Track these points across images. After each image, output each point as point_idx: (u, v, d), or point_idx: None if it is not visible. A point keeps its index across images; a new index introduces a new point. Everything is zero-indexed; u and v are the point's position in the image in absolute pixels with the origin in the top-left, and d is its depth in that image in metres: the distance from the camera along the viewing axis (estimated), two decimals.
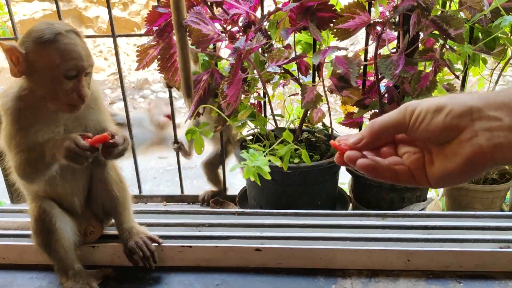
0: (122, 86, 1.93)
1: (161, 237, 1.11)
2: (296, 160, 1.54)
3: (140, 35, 1.94)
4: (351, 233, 1.09)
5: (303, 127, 1.83)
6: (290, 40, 1.67)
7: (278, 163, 1.42)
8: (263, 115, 1.88)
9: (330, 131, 1.75)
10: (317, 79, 1.85)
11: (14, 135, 0.98)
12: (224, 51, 2.08)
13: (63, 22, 0.99)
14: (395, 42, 1.80)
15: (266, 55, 1.58)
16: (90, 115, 1.05)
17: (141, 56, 1.61)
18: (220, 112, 1.71)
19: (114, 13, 8.24)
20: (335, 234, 1.08)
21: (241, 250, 1.04)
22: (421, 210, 1.67)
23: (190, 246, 1.05)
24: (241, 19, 1.69)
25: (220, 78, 1.79)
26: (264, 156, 1.38)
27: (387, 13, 1.79)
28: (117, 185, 1.10)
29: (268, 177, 1.38)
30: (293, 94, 1.76)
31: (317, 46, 1.78)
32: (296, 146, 1.45)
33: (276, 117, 1.80)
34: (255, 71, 1.59)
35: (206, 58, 1.80)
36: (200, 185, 3.77)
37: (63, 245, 1.05)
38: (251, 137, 1.83)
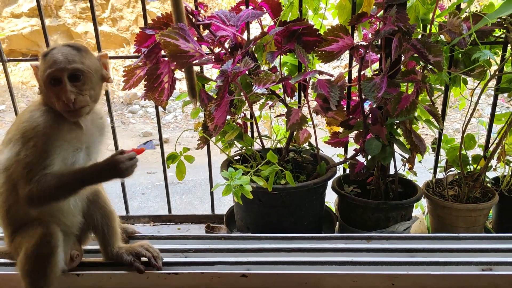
0: (108, 103, 1.93)
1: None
2: (283, 181, 1.55)
3: (129, 57, 1.95)
4: (337, 257, 1.10)
5: (290, 147, 1.85)
6: (276, 62, 1.70)
7: (261, 183, 1.43)
8: (250, 135, 1.90)
9: (316, 151, 1.77)
10: (303, 99, 1.88)
11: (45, 156, 0.99)
12: (211, 71, 2.11)
13: (74, 41, 1.08)
14: (378, 63, 1.84)
15: (253, 77, 1.61)
16: (103, 142, 1.15)
17: (128, 76, 1.62)
18: (204, 134, 1.72)
19: (103, 28, 8.26)
20: (321, 258, 1.09)
21: (227, 276, 1.04)
22: (406, 229, 1.69)
23: (176, 273, 1.05)
24: (227, 41, 1.72)
25: (207, 99, 1.81)
26: (248, 176, 1.39)
27: (370, 36, 1.84)
28: (111, 212, 1.11)
29: (250, 196, 1.38)
30: (280, 115, 1.77)
31: (303, 68, 1.82)
32: (280, 167, 1.47)
33: (263, 138, 1.82)
34: (241, 93, 1.61)
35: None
36: (189, 200, 3.76)
37: (55, 272, 1.04)
38: (238, 157, 1.84)
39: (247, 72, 1.61)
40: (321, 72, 1.54)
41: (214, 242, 1.19)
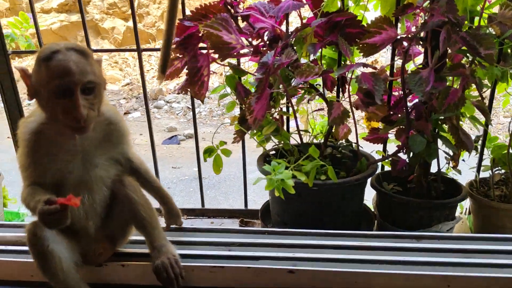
0: (145, 97, 1.93)
1: (191, 256, 1.08)
2: (323, 177, 1.51)
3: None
4: (387, 256, 1.05)
5: (327, 142, 1.81)
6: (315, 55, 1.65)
7: (303, 178, 1.39)
8: (286, 130, 1.86)
9: (356, 147, 1.72)
10: (341, 94, 1.83)
11: (27, 167, 0.99)
12: (244, 65, 2.07)
13: (74, 42, 0.97)
14: (419, 57, 1.78)
15: (292, 70, 1.57)
16: (112, 147, 1.06)
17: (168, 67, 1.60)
18: (241, 127, 1.70)
19: (130, 24, 8.35)
20: (371, 256, 1.05)
21: (273, 272, 1.01)
22: (450, 229, 1.62)
23: (222, 267, 1.03)
24: (266, 33, 1.68)
25: (244, 92, 1.78)
26: (289, 170, 1.35)
27: (413, 28, 1.78)
28: (143, 206, 1.08)
29: (292, 191, 1.35)
30: (318, 110, 1.73)
31: (342, 62, 1.77)
32: (322, 163, 1.42)
33: (297, 133, 1.78)
34: (281, 87, 1.57)
35: (230, 72, 1.79)
36: (213, 196, 3.75)
37: (61, 268, 1.00)
38: (273, 152, 1.81)
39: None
40: (365, 65, 1.49)
41: (258, 237, 1.16)
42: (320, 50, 1.55)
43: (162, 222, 1.18)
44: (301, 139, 1.65)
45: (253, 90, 1.84)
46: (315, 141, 1.86)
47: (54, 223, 0.89)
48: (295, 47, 1.64)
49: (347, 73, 1.54)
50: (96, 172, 1.03)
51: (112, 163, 1.07)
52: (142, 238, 1.13)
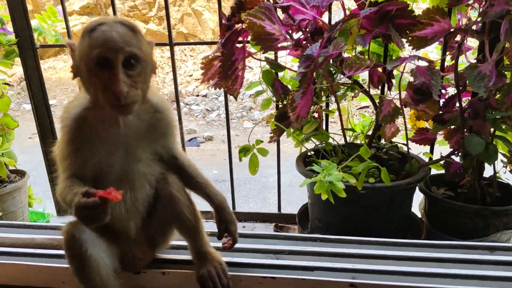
0: (176, 92, 1.84)
1: (237, 264, 0.97)
2: (371, 180, 1.39)
3: (201, 43, 1.84)
4: (459, 269, 0.93)
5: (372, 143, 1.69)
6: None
7: (352, 181, 1.27)
8: (324, 129, 1.75)
9: (402, 148, 1.60)
10: (386, 91, 1.71)
11: (66, 156, 0.89)
12: (282, 59, 1.97)
13: (123, 17, 0.88)
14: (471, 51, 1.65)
15: (338, 64, 1.46)
16: (157, 139, 0.95)
17: (205, 68, 1.51)
18: (279, 125, 1.59)
19: (150, 27, 8.35)
20: (440, 269, 0.93)
21: (333, 285, 0.90)
22: (508, 239, 1.48)
23: (274, 278, 0.92)
24: (307, 25, 1.58)
25: (282, 88, 1.68)
26: (338, 171, 1.24)
27: (465, 20, 1.65)
28: (188, 207, 0.98)
29: (343, 194, 1.24)
30: (363, 107, 1.61)
31: (391, 55, 1.65)
32: (375, 164, 1.30)
33: (336, 133, 1.67)
34: (322, 82, 1.46)
35: (268, 67, 1.68)
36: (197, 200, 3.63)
37: (99, 274, 0.90)
38: (312, 153, 1.70)
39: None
40: (420, 58, 1.37)
41: (309, 244, 1.05)
42: (369, 42, 1.43)
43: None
44: (345, 138, 1.54)
45: (290, 86, 1.74)
46: (355, 141, 1.74)
47: (92, 219, 0.77)
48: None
49: (396, 67, 1.42)
50: (139, 167, 0.93)
51: (155, 158, 0.97)
52: (182, 243, 1.03)
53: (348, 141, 1.72)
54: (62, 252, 1.06)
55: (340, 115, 1.50)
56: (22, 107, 6.00)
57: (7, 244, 1.06)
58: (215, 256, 0.98)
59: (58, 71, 7.35)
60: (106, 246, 0.94)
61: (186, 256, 1.01)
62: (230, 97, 1.65)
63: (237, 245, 1.02)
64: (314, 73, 1.45)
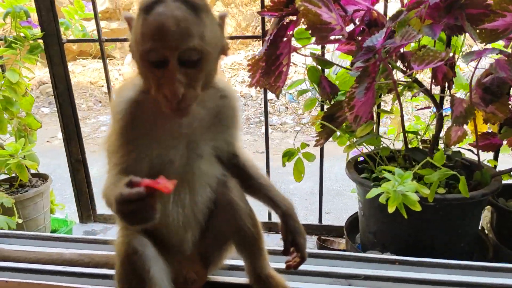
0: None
1: None
2: (441, 190, 1.22)
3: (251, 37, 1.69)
4: None
5: (421, 147, 1.51)
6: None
7: (426, 191, 1.10)
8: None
9: (461, 154, 1.42)
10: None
11: (118, 148, 0.74)
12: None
13: None
14: None
15: (401, 58, 1.29)
16: (221, 131, 0.80)
17: (253, 69, 1.35)
18: (329, 125, 1.42)
19: None
20: None
21: None
22: None
23: None
24: (360, 17, 1.42)
25: (329, 87, 1.51)
26: (412, 181, 1.07)
27: None
28: (250, 218, 0.82)
29: (417, 208, 1.07)
30: (423, 108, 1.44)
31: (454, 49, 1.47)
32: (453, 172, 1.13)
33: (385, 137, 1.50)
34: (380, 79, 1.30)
35: (314, 64, 1.52)
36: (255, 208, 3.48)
37: None
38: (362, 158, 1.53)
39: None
40: (501, 51, 1.20)
41: (385, 267, 0.88)
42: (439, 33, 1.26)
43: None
44: (406, 142, 1.36)
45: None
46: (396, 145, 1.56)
47: (137, 216, 0.61)
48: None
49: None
50: (200, 165, 0.78)
51: (216, 155, 0.81)
52: (237, 262, 0.87)
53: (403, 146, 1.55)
54: (95, 271, 0.91)
55: (402, 116, 1.33)
56: (41, 110, 5.95)
57: (32, 260, 0.92)
58: (279, 281, 0.82)
59: (76, 75, 7.32)
60: (165, 266, 0.78)
61: (243, 280, 0.85)
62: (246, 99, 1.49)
63: (301, 267, 0.85)
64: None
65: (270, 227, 1.75)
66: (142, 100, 0.73)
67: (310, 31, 1.19)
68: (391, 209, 1.10)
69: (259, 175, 0.84)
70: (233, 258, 0.87)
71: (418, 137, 1.53)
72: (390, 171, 1.11)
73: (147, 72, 0.67)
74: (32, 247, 1.00)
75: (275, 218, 0.95)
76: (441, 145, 1.43)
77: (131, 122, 0.71)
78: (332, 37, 1.31)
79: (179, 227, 0.81)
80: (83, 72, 7.64)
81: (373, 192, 1.07)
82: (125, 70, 7.38)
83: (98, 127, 5.00)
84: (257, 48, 6.20)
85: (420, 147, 1.51)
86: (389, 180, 1.28)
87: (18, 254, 0.94)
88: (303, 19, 1.20)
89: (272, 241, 1.71)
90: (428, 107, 1.42)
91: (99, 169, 0.81)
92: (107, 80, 1.72)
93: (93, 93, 7.22)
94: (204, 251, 0.85)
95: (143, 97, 0.72)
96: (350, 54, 1.55)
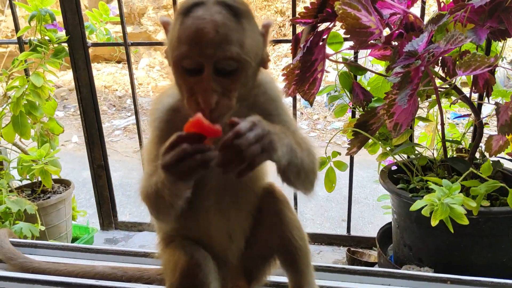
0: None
1: None
2: (484, 203, 1.15)
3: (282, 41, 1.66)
4: None
5: (454, 155, 1.45)
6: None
7: (472, 204, 1.04)
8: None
9: (507, 164, 1.35)
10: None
11: (154, 157, 0.69)
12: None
13: None
14: None
15: (442, 64, 1.24)
16: None
17: (288, 79, 1.30)
18: (363, 133, 1.37)
19: None
20: None
21: None
22: None
23: None
24: (396, 21, 1.37)
25: (362, 94, 1.46)
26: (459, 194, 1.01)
27: None
28: (298, 231, 0.77)
29: (465, 221, 1.01)
30: (464, 115, 1.38)
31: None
32: (501, 184, 1.07)
33: (422, 146, 1.43)
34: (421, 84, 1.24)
35: (346, 69, 1.47)
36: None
37: None
38: (395, 167, 1.47)
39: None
40: None
41: (436, 286, 0.82)
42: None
43: None
44: (445, 151, 1.30)
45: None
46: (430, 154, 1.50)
47: (186, 167, 0.57)
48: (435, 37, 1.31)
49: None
50: None
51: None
52: (279, 279, 0.82)
53: (437, 155, 1.49)
54: (128, 285, 0.87)
55: (442, 124, 1.27)
56: (55, 114, 6.00)
57: (63, 273, 0.88)
58: None
59: None
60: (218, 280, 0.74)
61: None
62: None
63: (342, 285, 0.80)
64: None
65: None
66: (180, 107, 0.69)
67: (349, 36, 1.15)
68: (434, 222, 1.04)
69: None
70: (276, 275, 0.82)
71: (453, 145, 1.47)
72: (435, 182, 1.05)
73: (181, 79, 0.63)
74: (62, 259, 0.96)
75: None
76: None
77: (169, 130, 0.66)
78: (373, 41, 1.27)
79: (223, 237, 0.77)
80: (97, 76, 7.68)
81: (418, 205, 1.01)
82: (140, 74, 7.40)
83: (112, 131, 5.00)
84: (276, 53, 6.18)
85: (455, 155, 1.45)
86: (430, 191, 1.23)
87: (48, 266, 0.91)
88: (341, 23, 1.15)
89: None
90: (468, 115, 1.35)
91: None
92: (132, 84, 1.69)
93: (107, 97, 7.24)
94: (248, 264, 0.80)
95: (182, 104, 0.67)
96: (384, 60, 1.50)
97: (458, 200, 0.97)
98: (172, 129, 0.68)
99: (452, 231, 1.01)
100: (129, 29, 8.69)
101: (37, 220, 1.51)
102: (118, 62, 7.52)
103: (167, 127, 0.69)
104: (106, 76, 7.84)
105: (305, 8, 1.32)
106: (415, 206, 1.01)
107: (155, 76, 7.86)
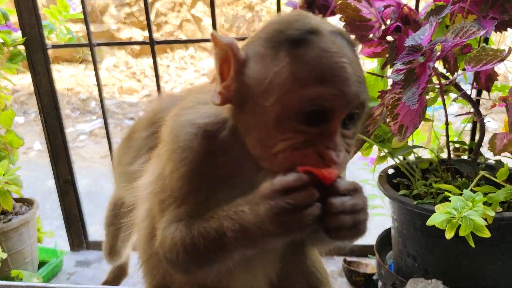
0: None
1: None
2: (496, 208, 1.07)
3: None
4: None
5: (454, 156, 1.38)
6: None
7: (491, 213, 0.95)
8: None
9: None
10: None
11: (185, 195, 0.55)
12: None
13: (326, 20, 0.53)
14: None
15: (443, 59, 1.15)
16: None
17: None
18: (362, 136, 1.27)
19: (146, 34, 8.04)
20: None
21: None
22: None
23: None
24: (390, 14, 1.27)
25: None
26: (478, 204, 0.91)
27: None
28: (320, 263, 0.66)
29: (487, 234, 0.92)
30: (465, 114, 1.30)
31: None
32: None
33: (424, 147, 1.35)
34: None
35: None
36: None
37: None
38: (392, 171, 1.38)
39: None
40: None
41: None
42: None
43: None
44: (449, 153, 1.22)
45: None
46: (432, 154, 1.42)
47: (304, 218, 0.45)
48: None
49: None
50: None
51: None
52: None
53: (434, 155, 1.41)
54: None
55: (446, 124, 1.18)
56: (15, 120, 5.66)
57: None
58: None
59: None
60: None
61: None
62: None
63: None
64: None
65: None
66: (218, 131, 0.55)
67: (349, 29, 1.04)
68: (449, 235, 0.95)
69: None
70: None
71: (450, 145, 1.40)
72: (452, 192, 0.96)
73: (287, 131, 0.49)
74: None
75: None
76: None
77: (204, 164, 0.53)
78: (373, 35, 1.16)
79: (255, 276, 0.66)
80: (59, 79, 7.31)
81: (435, 219, 0.91)
82: (103, 75, 7.12)
83: (77, 136, 4.77)
84: None
85: (452, 155, 1.38)
86: (435, 196, 1.14)
87: None
88: (340, 16, 1.04)
89: None
90: (469, 113, 1.28)
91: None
92: (99, 86, 1.52)
93: (70, 100, 6.92)
94: None
95: (220, 127, 0.54)
96: (374, 57, 1.40)
97: (479, 211, 0.87)
98: (209, 163, 0.54)
99: (473, 245, 0.92)
100: (91, 28, 8.34)
101: None
102: (81, 62, 7.20)
103: (203, 160, 0.54)
104: (68, 78, 7.48)
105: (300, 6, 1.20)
106: (432, 221, 0.91)
107: (120, 77, 7.59)
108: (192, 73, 7.29)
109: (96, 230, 1.75)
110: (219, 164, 0.54)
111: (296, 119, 0.48)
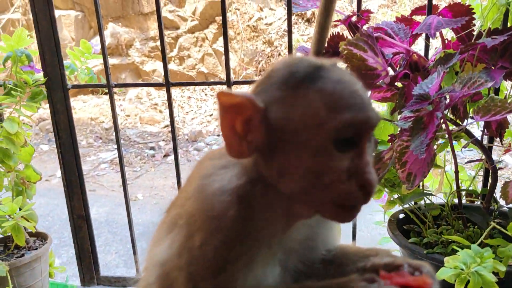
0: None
1: None
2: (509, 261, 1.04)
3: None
4: None
5: (467, 201, 1.34)
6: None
7: (502, 269, 0.92)
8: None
9: None
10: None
11: (221, 266, 0.52)
12: None
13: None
14: None
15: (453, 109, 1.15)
16: (321, 229, 0.62)
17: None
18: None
19: (171, 67, 8.28)
20: None
21: None
22: None
23: None
24: (399, 60, 1.28)
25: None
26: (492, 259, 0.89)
27: None
28: None
29: None
30: (476, 160, 1.28)
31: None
32: None
33: (434, 194, 1.33)
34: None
35: None
36: None
37: None
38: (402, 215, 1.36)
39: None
40: None
41: None
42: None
43: None
44: (460, 200, 1.19)
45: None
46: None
47: None
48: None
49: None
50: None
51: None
52: None
53: (447, 201, 1.38)
54: None
55: (456, 171, 1.16)
56: (40, 147, 5.82)
57: None
58: None
59: (77, 111, 7.23)
60: None
61: None
62: None
63: None
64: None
65: None
66: (251, 191, 0.53)
67: (355, 77, 1.05)
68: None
69: None
70: None
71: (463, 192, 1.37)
72: (461, 245, 0.94)
73: (326, 162, 0.50)
74: None
75: None
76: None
77: (244, 229, 0.52)
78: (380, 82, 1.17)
79: None
80: (83, 108, 7.56)
81: (444, 273, 0.88)
82: (127, 105, 7.31)
83: (98, 165, 4.86)
84: None
85: (465, 200, 1.34)
86: (445, 245, 1.11)
87: None
88: (346, 65, 1.05)
89: None
90: (480, 160, 1.26)
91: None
92: (115, 125, 1.56)
93: (94, 129, 7.10)
94: None
95: (251, 188, 0.53)
96: (385, 101, 1.41)
97: (489, 266, 0.85)
98: (248, 225, 0.52)
99: None
100: (116, 60, 8.63)
101: (8, 283, 1.35)
102: (105, 94, 7.43)
103: (242, 227, 0.52)
104: (93, 108, 7.71)
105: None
106: (441, 274, 0.89)
107: (142, 107, 7.78)
108: (211, 104, 7.43)
109: (110, 260, 1.75)
110: (257, 226, 0.53)
111: (332, 147, 0.50)
